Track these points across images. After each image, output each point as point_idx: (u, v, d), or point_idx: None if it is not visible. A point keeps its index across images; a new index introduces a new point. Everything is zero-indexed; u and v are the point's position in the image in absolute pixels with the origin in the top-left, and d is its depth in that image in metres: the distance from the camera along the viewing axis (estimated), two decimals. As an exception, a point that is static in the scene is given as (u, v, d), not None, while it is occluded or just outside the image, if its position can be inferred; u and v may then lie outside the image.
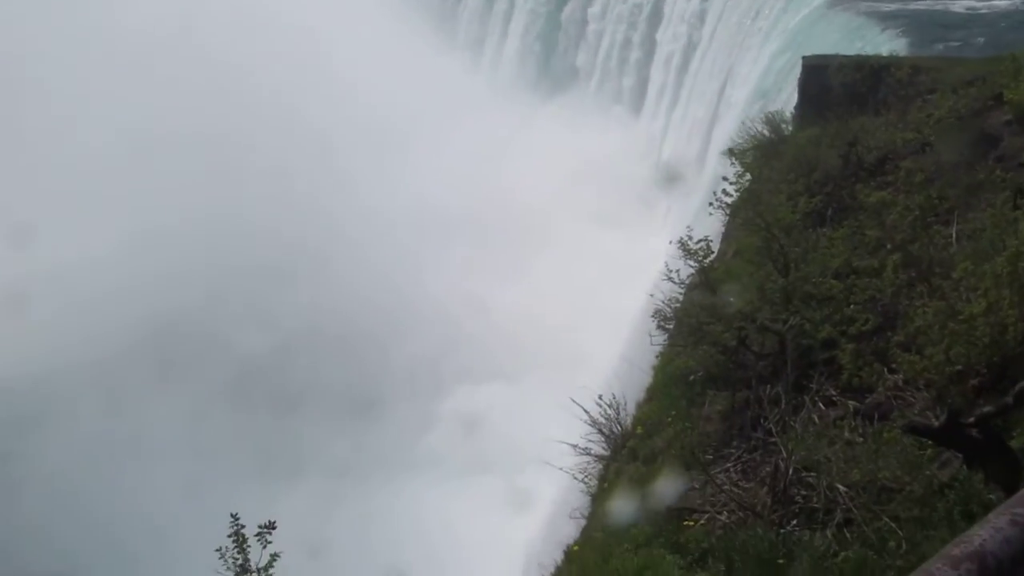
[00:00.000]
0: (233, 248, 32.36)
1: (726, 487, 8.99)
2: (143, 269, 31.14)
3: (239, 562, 6.35)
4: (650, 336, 12.30)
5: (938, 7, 31.81)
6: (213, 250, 32.25)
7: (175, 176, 33.79)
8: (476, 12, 54.00)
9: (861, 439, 8.52)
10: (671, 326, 12.07)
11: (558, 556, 10.11)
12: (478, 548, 20.69)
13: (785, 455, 8.59)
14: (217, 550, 6.31)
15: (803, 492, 8.47)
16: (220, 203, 33.51)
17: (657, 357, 12.68)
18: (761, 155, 16.58)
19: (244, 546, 6.36)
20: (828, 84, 18.15)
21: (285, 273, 32.68)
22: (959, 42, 25.40)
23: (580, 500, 11.47)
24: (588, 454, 11.69)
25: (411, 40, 45.86)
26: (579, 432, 11.72)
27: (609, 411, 11.64)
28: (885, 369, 9.04)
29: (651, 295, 12.49)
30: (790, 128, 17.72)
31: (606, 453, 11.58)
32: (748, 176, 16.13)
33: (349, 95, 39.77)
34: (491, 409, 27.56)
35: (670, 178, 33.71)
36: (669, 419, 10.70)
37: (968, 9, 31.56)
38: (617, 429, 11.59)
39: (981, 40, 25.52)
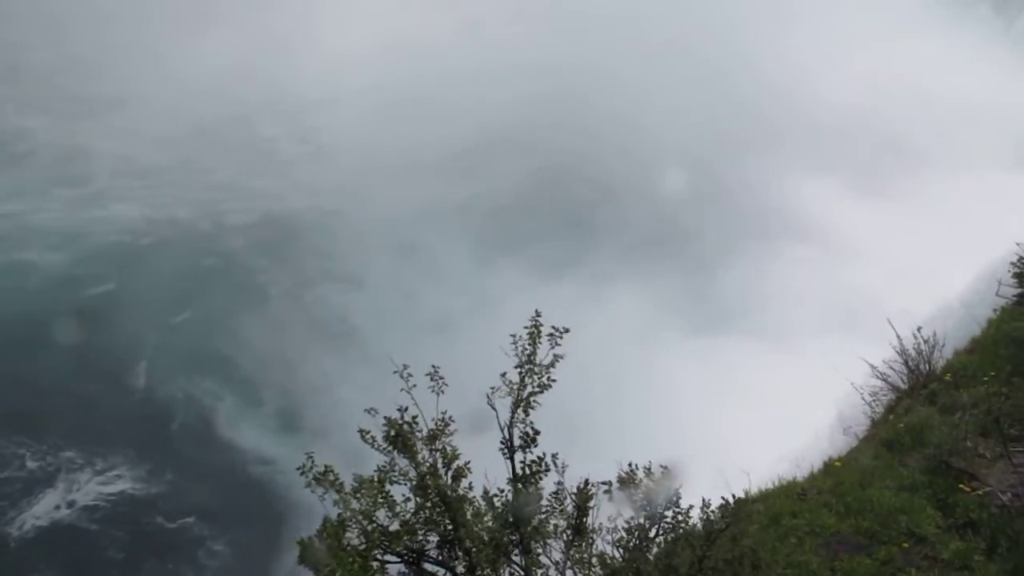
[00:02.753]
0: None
1: (1022, 469, 8.32)
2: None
3: (528, 353, 6.73)
4: (999, 285, 11.28)
5: None
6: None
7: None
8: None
9: None
10: (1028, 284, 11.00)
11: (818, 464, 9.89)
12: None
13: (1101, 463, 7.79)
14: (512, 335, 6.70)
15: (1104, 508, 7.71)
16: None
17: (996, 311, 11.67)
18: None
19: (536, 340, 6.72)
20: None
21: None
22: None
23: (859, 420, 11.06)
24: (885, 380, 11.15)
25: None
26: (885, 357, 11.16)
27: (923, 347, 10.95)
28: None
29: (1018, 244, 11.36)
30: None
31: (903, 386, 10.98)
32: None
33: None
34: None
35: None
36: (986, 378, 9.94)
37: None
38: (925, 367, 10.91)
39: None
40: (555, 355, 6.87)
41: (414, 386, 6.71)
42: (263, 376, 25.74)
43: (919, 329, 11.09)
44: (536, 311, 6.75)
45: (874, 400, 11.18)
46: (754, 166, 31.98)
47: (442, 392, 6.92)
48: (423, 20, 40.65)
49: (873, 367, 11.22)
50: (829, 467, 9.81)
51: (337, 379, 24.99)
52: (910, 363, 11.02)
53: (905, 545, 7.98)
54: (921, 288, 18.77)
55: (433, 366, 6.96)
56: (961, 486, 8.53)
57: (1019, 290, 11.03)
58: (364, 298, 28.54)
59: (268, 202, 33.57)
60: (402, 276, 29.17)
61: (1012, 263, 11.00)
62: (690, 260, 29.11)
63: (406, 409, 6.68)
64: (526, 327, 6.78)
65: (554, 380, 6.89)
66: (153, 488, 22.36)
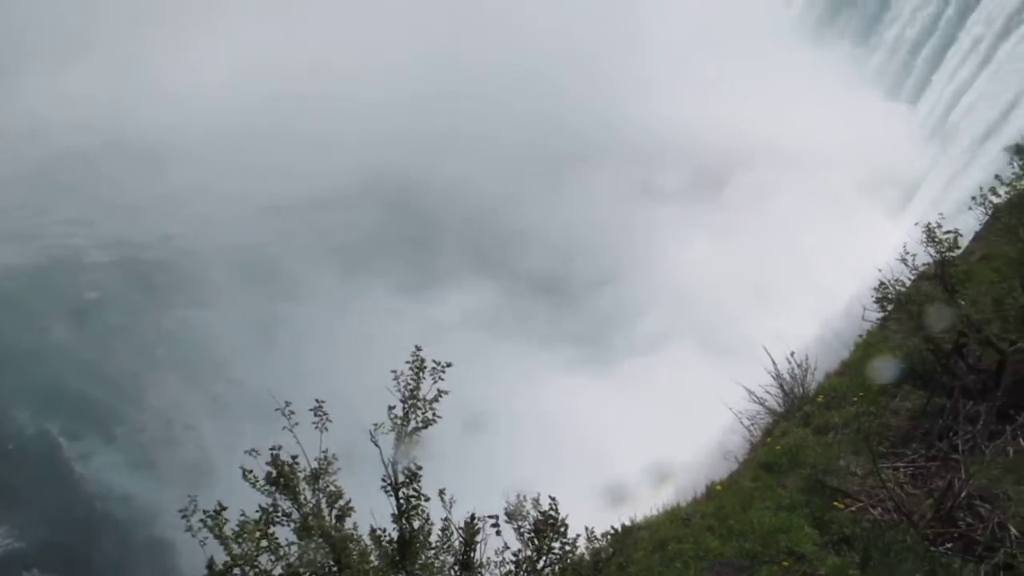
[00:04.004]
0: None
1: (890, 484, 8.67)
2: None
3: (411, 388, 6.70)
4: (864, 310, 11.77)
5: None
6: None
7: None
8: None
9: (1053, 490, 8.00)
10: (889, 307, 11.49)
11: (700, 489, 10.12)
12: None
13: (964, 476, 8.17)
14: (392, 371, 6.67)
15: (969, 520, 8.07)
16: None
17: (862, 335, 12.17)
18: (1049, 163, 15.21)
19: (419, 375, 6.70)
20: None
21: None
22: None
23: (739, 444, 11.36)
24: (762, 404, 11.50)
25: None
26: (761, 382, 11.53)
27: (796, 370, 11.35)
28: (1108, 429, 8.37)
29: (879, 270, 11.88)
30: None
31: (780, 409, 11.35)
32: (1025, 182, 14.89)
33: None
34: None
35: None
36: (855, 398, 10.35)
37: None
38: (799, 390, 11.31)
39: None
40: (439, 390, 6.85)
41: (296, 424, 6.58)
42: (120, 412, 25.03)
43: (792, 354, 11.48)
44: (416, 346, 6.74)
45: (752, 424, 11.52)
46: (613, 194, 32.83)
47: (326, 429, 6.82)
48: (281, 59, 40.12)
49: (750, 392, 11.56)
50: (711, 491, 10.05)
51: (198, 414, 24.50)
52: (785, 387, 11.40)
53: (785, 563, 8.22)
54: (793, 316, 19.51)
55: (317, 400, 6.86)
56: (835, 503, 8.84)
57: (882, 314, 11.52)
58: (220, 331, 28.09)
59: (120, 239, 32.69)
60: (262, 309, 28.82)
61: (874, 289, 11.50)
62: (565, 293, 29.66)
63: (280, 448, 6.52)
64: (407, 362, 6.75)
65: (439, 416, 6.87)
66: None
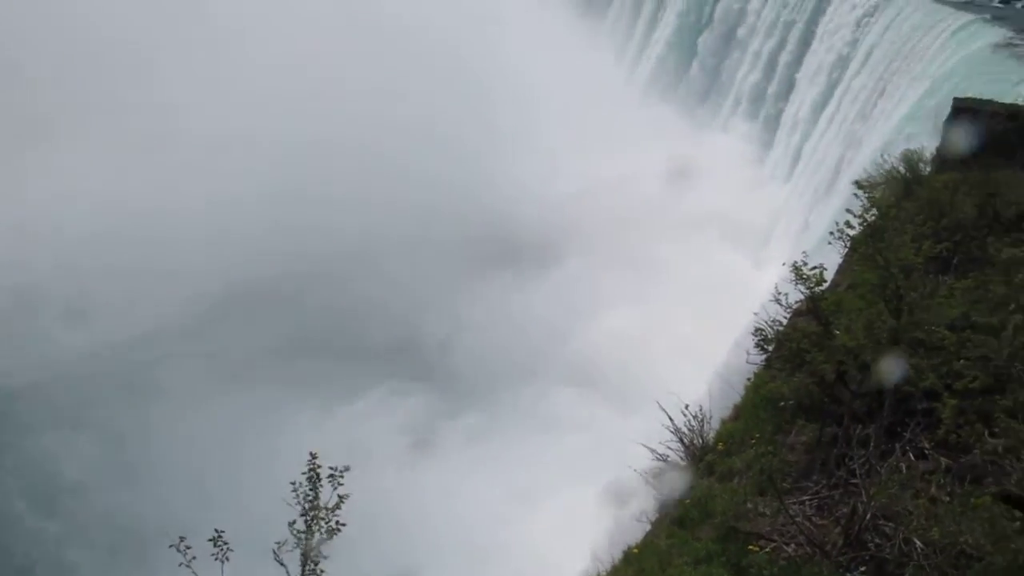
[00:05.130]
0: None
1: (799, 519, 8.82)
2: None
3: (310, 498, 6.54)
4: (747, 354, 12.09)
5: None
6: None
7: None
8: (623, 12, 53.99)
9: (948, 498, 8.26)
10: (771, 348, 11.84)
11: (617, 555, 10.08)
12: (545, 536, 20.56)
13: (865, 499, 8.38)
14: (292, 483, 6.51)
15: (877, 540, 8.26)
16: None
17: (750, 377, 12.47)
18: (892, 192, 16.08)
19: (317, 484, 6.55)
20: (976, 129, 17.48)
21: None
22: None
23: (648, 504, 11.39)
24: (665, 461, 11.60)
25: (556, 25, 45.94)
26: (660, 438, 11.64)
27: (693, 422, 11.51)
28: (986, 432, 8.72)
29: (755, 313, 12.26)
30: (928, 169, 17.14)
31: (683, 463, 11.46)
32: (874, 211, 15.68)
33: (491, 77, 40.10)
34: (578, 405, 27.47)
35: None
36: (753, 440, 10.54)
37: None
38: (698, 441, 11.47)
39: None
40: (339, 496, 6.71)
41: (193, 558, 6.31)
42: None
43: (687, 406, 11.65)
44: (311, 453, 6.60)
45: (659, 482, 11.58)
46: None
47: (227, 559, 6.56)
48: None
49: (652, 450, 11.66)
50: (629, 555, 10.02)
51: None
52: (684, 440, 11.54)
53: (711, 616, 8.22)
54: (681, 369, 19.90)
55: (216, 530, 6.62)
56: (751, 547, 8.92)
57: (765, 355, 11.86)
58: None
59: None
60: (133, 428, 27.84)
61: (753, 332, 11.85)
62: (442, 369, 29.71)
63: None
64: (304, 472, 6.60)
65: (343, 524, 6.71)
66: None
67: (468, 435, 27.56)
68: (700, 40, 47.46)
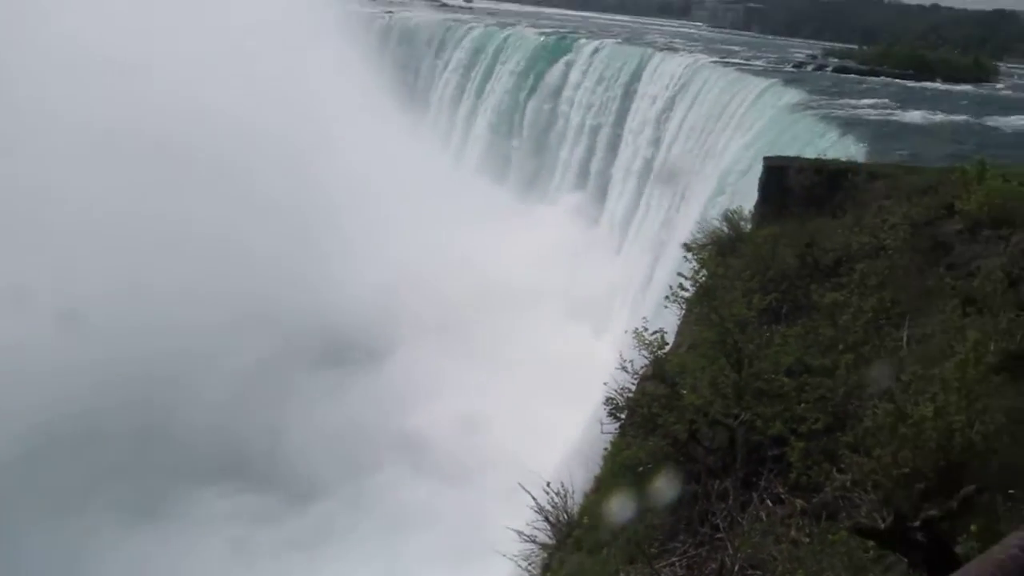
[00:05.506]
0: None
1: (672, 582, 8.84)
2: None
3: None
4: (601, 424, 12.21)
5: (894, 116, 33.02)
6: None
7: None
8: (444, 100, 55.22)
9: (807, 538, 8.44)
10: (623, 416, 12.00)
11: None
12: None
13: (731, 552, 8.48)
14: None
15: (748, 590, 8.35)
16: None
17: (607, 447, 12.58)
18: (718, 251, 16.78)
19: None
20: (788, 185, 18.53)
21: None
22: (911, 150, 26.27)
23: (524, 589, 11.24)
24: (533, 542, 11.48)
25: (381, 114, 46.39)
26: (526, 519, 11.53)
27: (556, 499, 11.47)
28: (834, 469, 9.00)
29: (604, 384, 12.43)
30: (749, 226, 17.99)
31: (551, 542, 11.37)
32: (704, 272, 16.29)
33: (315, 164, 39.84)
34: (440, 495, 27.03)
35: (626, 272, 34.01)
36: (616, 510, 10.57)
37: (924, 119, 32.79)
38: (564, 518, 11.41)
39: (934, 150, 26.40)
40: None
41: None
42: None
43: (548, 484, 11.61)
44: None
45: (530, 564, 11.45)
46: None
47: None
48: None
49: (520, 533, 11.52)
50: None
51: None
52: (550, 518, 11.46)
53: None
54: (537, 447, 19.93)
55: None
56: (627, 617, 8.88)
57: (618, 423, 11.99)
58: None
59: None
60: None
61: (604, 402, 12.00)
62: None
63: None
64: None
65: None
66: None
67: (300, 541, 26.67)
68: (513, 145, 49.18)
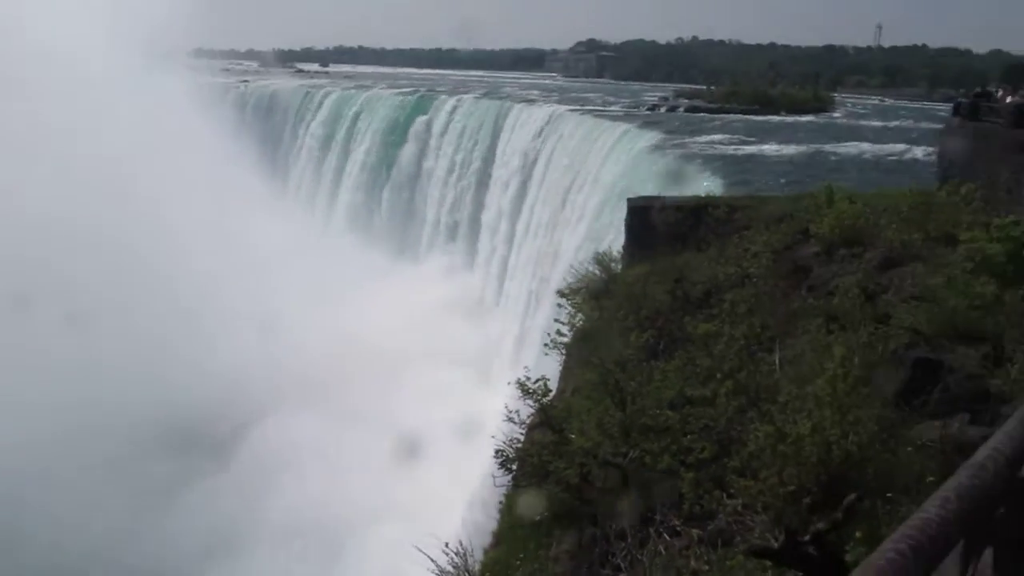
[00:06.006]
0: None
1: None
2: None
3: None
4: (493, 478, 12.18)
5: (744, 150, 34.48)
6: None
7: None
8: (307, 166, 54.93)
9: (707, 567, 8.54)
10: (514, 467, 11.99)
11: None
12: None
13: (634, 590, 8.53)
14: None
15: (655, 628, 8.39)
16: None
17: (502, 500, 12.53)
18: (592, 295, 17.06)
19: None
20: (652, 223, 19.03)
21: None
22: (764, 181, 27.44)
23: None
24: (438, 606, 11.26)
25: (239, 187, 45.51)
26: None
27: (456, 559, 11.30)
28: (724, 495, 9.17)
29: (493, 436, 12.41)
30: (619, 267, 18.37)
31: (455, 603, 11.18)
32: (580, 316, 16.54)
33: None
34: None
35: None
36: (517, 563, 10.50)
37: (773, 151, 34.37)
38: (465, 576, 11.26)
39: (785, 178, 27.61)
40: None
41: None
42: None
43: (447, 544, 11.45)
44: None
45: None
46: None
47: None
48: None
49: (422, 599, 11.31)
50: None
51: None
52: (452, 580, 11.29)
53: None
54: (434, 509, 19.64)
55: None
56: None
57: (510, 475, 11.98)
58: None
59: None
60: None
61: (494, 455, 11.99)
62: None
63: None
64: None
65: None
66: None
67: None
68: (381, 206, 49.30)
